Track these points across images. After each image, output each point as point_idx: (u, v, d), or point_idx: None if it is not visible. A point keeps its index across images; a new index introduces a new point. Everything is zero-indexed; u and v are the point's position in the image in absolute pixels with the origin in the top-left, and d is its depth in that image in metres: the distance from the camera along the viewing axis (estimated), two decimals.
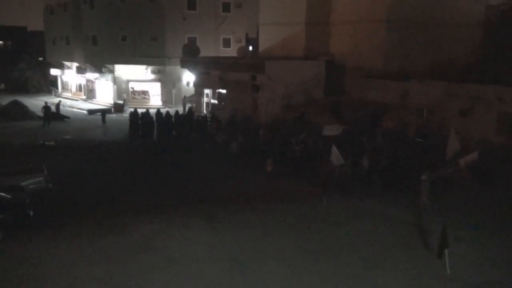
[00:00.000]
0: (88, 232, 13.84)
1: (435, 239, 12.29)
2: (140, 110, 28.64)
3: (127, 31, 40.55)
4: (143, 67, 41.25)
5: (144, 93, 42.46)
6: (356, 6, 28.99)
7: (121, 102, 39.39)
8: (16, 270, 11.63)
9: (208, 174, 20.03)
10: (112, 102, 41.08)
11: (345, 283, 11.05)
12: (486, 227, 14.03)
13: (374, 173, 17.71)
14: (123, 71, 41.66)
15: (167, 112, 27.96)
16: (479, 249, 12.65)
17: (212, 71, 31.78)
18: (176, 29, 40.43)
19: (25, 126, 31.94)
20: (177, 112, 29.17)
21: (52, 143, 26.11)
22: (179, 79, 40.38)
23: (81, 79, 46.93)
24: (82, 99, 45.88)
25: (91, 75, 44.15)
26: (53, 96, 48.62)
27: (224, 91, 31.43)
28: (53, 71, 50.78)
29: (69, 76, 48.93)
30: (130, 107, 35.89)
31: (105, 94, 43.52)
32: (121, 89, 41.99)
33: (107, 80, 42.78)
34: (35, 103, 40.47)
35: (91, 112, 37.98)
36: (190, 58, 34.64)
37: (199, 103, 33.64)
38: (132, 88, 42.29)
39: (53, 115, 34.29)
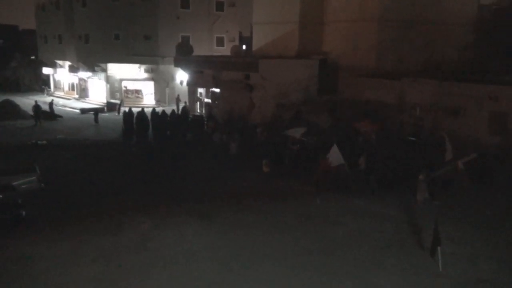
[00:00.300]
0: (82, 231, 13.77)
1: (429, 237, 12.38)
2: (134, 109, 28.52)
3: (120, 29, 40.36)
4: (136, 66, 41.09)
5: (138, 92, 42.29)
6: (349, 5, 29.08)
7: (118, 102, 39.13)
8: (9, 270, 11.56)
9: (205, 173, 19.96)
10: (105, 101, 40.87)
11: (340, 281, 11.10)
12: (479, 225, 14.15)
13: (370, 172, 17.76)
14: (116, 70, 41.47)
15: (163, 112, 27.87)
16: (471, 247, 12.75)
17: (205, 70, 31.75)
18: (170, 27, 40.30)
19: (17, 126, 31.70)
20: (173, 111, 29.13)
21: (44, 142, 25.94)
22: (172, 78, 40.26)
23: (73, 78, 46.66)
24: (74, 98, 45.63)
25: (83, 74, 43.91)
26: (45, 95, 48.28)
27: (217, 90, 31.42)
28: (45, 70, 50.44)
29: (62, 75, 48.63)
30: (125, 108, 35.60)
31: (98, 93, 43.30)
32: (114, 88, 41.81)
33: (100, 79, 42.57)
34: (27, 102, 40.14)
35: (83, 111, 37.78)
36: (183, 57, 34.57)
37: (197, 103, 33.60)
38: (125, 87, 42.10)
39: (45, 114, 34.07)
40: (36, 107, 32.69)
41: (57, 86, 50.34)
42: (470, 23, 30.56)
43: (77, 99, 45.10)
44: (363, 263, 11.95)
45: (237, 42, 44.47)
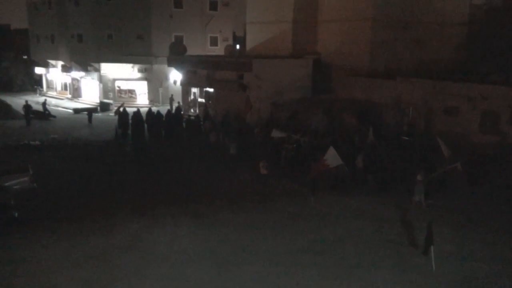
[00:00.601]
0: (74, 232, 13.71)
1: (422, 236, 12.43)
2: (129, 110, 28.40)
3: (113, 29, 40.14)
4: (129, 65, 40.90)
5: (131, 92, 42.10)
6: (343, 5, 29.15)
7: (111, 102, 38.85)
8: (1, 271, 11.48)
9: (200, 174, 19.89)
10: (98, 101, 40.67)
11: (334, 280, 11.13)
12: (472, 225, 14.23)
13: (368, 173, 17.75)
14: (109, 69, 41.26)
15: (158, 112, 27.78)
16: (464, 246, 12.83)
17: (199, 70, 31.69)
18: (163, 27, 40.17)
19: (9, 125, 31.44)
20: (168, 111, 29.05)
21: (37, 142, 25.76)
22: (166, 78, 40.13)
23: (66, 78, 46.34)
24: (67, 98, 45.34)
25: (76, 74, 43.64)
26: (37, 95, 47.95)
27: (211, 90, 31.37)
28: (38, 70, 50.07)
29: (54, 74, 48.29)
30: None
31: (91, 93, 43.06)
32: (107, 88, 41.60)
33: (93, 79, 42.34)
34: (20, 102, 39.81)
35: (77, 111, 37.56)
36: (177, 56, 34.48)
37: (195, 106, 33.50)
38: (119, 87, 41.89)
39: (38, 114, 33.84)
40: (27, 107, 32.46)
41: (50, 86, 49.99)
42: (462, 23, 30.75)
43: (70, 99, 44.82)
44: (357, 262, 11.99)
45: (230, 42, 44.41)
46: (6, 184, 15.88)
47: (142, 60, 40.46)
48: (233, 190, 17.83)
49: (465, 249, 12.68)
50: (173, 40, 39.12)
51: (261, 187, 17.92)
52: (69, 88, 46.51)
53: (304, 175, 17.46)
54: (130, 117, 27.36)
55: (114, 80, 41.58)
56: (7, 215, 13.93)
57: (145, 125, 27.21)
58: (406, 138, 21.59)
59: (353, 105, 24.95)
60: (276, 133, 21.17)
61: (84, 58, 41.88)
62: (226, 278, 11.20)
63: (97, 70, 41.59)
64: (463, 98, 21.66)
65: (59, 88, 48.26)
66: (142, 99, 41.26)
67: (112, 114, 35.28)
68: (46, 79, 50.27)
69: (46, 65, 48.91)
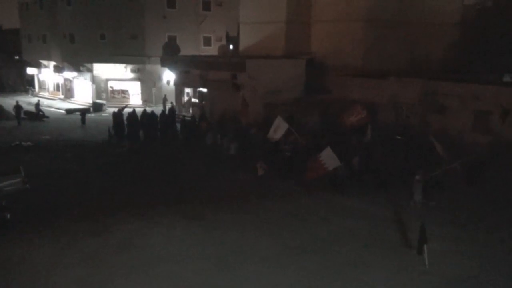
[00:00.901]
0: (68, 233, 13.65)
1: (416, 235, 12.49)
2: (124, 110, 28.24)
3: (105, 29, 39.95)
4: (122, 66, 40.73)
5: (124, 92, 41.93)
6: (335, 5, 29.24)
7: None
8: None
9: (196, 174, 19.85)
10: (91, 101, 40.47)
11: (328, 279, 11.17)
12: (465, 224, 14.32)
13: (365, 173, 17.73)
14: (102, 70, 41.07)
15: (152, 112, 27.69)
16: (457, 245, 12.92)
17: (192, 70, 31.62)
18: (156, 27, 40.03)
19: (1, 126, 31.19)
20: (163, 112, 28.93)
21: (29, 143, 25.58)
22: (159, 78, 40.01)
23: (58, 78, 46.06)
24: (59, 99, 45.07)
25: (69, 74, 43.38)
26: (29, 95, 47.63)
27: (205, 90, 31.32)
28: (30, 70, 49.70)
29: (46, 75, 47.98)
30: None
31: (83, 94, 42.84)
32: (100, 88, 41.41)
33: (85, 79, 42.12)
34: (11, 102, 39.51)
35: (69, 111, 37.35)
36: (170, 56, 34.39)
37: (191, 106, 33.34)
38: (111, 87, 41.71)
39: (30, 115, 33.58)
40: (17, 107, 32.23)
41: (42, 87, 49.66)
42: (454, 23, 30.94)
43: (62, 100, 44.55)
44: (351, 261, 12.04)
45: (224, 42, 44.35)
46: None
47: (135, 60, 40.30)
48: (229, 190, 17.80)
49: (458, 247, 12.77)
50: (166, 40, 38.99)
51: (257, 187, 17.88)
52: (61, 88, 46.23)
53: (301, 175, 17.42)
54: (125, 118, 27.23)
55: (107, 80, 41.39)
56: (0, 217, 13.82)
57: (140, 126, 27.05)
58: (399, 137, 21.66)
59: (348, 104, 24.95)
60: (272, 134, 20.82)
61: (77, 58, 41.63)
62: (222, 278, 11.20)
63: (90, 70, 41.39)
64: (455, 98, 21.81)
65: (51, 89, 47.96)
66: (135, 100, 41.11)
67: (105, 114, 35.16)
68: (38, 80, 49.94)
69: (38, 66, 48.58)
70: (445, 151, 17.01)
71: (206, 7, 43.23)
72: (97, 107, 38.40)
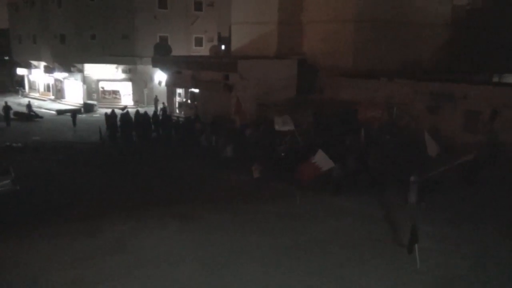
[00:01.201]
0: (59, 234, 13.55)
1: (407, 235, 12.56)
2: (117, 111, 28.14)
3: (96, 29, 39.75)
4: (113, 66, 40.52)
5: (115, 92, 41.72)
6: (327, 6, 29.36)
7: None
8: None
9: (190, 175, 19.74)
10: (81, 102, 40.22)
11: (320, 279, 11.20)
12: (457, 223, 14.41)
13: (360, 173, 17.71)
14: (93, 70, 40.84)
15: (146, 113, 27.59)
16: (448, 244, 13.01)
17: (184, 71, 31.57)
18: (147, 27, 39.90)
19: None
20: (155, 112, 28.80)
21: (19, 144, 25.37)
22: (150, 79, 39.88)
23: (49, 79, 45.72)
24: (50, 99, 44.74)
25: (59, 75, 43.07)
26: (20, 96, 47.24)
27: (196, 90, 31.28)
28: (20, 71, 49.30)
29: (37, 75, 47.61)
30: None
31: (74, 94, 42.55)
32: (91, 89, 41.16)
33: (76, 79, 41.84)
34: (1, 104, 39.20)
35: (60, 112, 37.09)
36: (161, 57, 34.30)
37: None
38: (102, 87, 41.49)
39: (20, 115, 33.27)
40: (6, 108, 31.95)
41: (32, 87, 49.27)
42: (445, 24, 31.20)
43: (53, 100, 44.23)
44: (343, 261, 12.08)
45: (216, 42, 44.33)
46: None
47: (126, 61, 40.13)
48: (223, 191, 17.75)
49: (450, 247, 12.85)
50: (157, 40, 38.88)
51: (251, 188, 17.79)
52: (52, 89, 45.90)
53: (294, 175, 17.23)
54: (118, 119, 27.09)
55: (98, 81, 41.16)
56: None
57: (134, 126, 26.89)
58: (389, 137, 21.75)
59: (340, 105, 25.04)
60: (281, 126, 20.66)
61: (67, 59, 41.36)
62: (214, 279, 11.19)
63: (81, 70, 41.13)
64: (445, 98, 21.98)
65: (41, 89, 47.60)
66: (126, 100, 40.92)
67: (97, 115, 34.98)
68: (29, 80, 49.54)
69: (28, 66, 48.20)
70: (439, 148, 17.02)
71: (198, 7, 43.17)
72: (88, 107, 38.17)
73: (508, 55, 28.11)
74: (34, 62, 47.21)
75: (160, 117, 28.61)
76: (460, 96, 21.43)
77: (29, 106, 35.29)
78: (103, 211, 15.49)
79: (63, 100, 43.55)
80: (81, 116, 35.14)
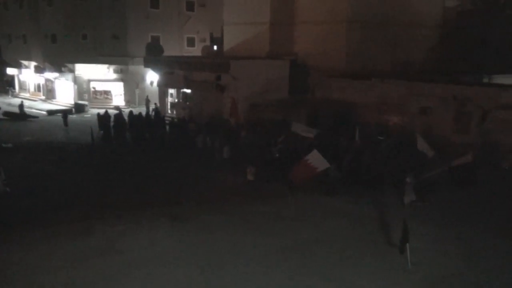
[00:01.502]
0: (50, 236, 13.46)
1: (398, 234, 12.63)
2: (110, 111, 28.02)
3: (87, 29, 39.52)
4: (104, 66, 40.28)
5: (106, 93, 41.49)
6: (319, 7, 29.45)
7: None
8: None
9: (185, 176, 19.67)
10: (73, 102, 39.97)
11: (312, 279, 11.23)
12: (449, 224, 14.52)
13: (355, 174, 17.73)
14: (84, 70, 40.58)
15: (140, 114, 27.45)
16: (441, 244, 13.11)
17: (176, 71, 31.49)
18: (139, 27, 39.70)
19: None
20: (147, 113, 28.64)
21: (9, 145, 25.15)
22: (142, 79, 39.70)
23: (39, 79, 45.38)
24: (41, 100, 44.40)
25: (50, 75, 42.76)
26: (10, 96, 46.83)
27: (189, 91, 31.21)
28: (10, 71, 48.85)
29: (27, 75, 47.23)
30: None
31: (65, 94, 42.26)
32: (82, 89, 40.90)
33: (67, 79, 41.56)
34: None
35: (51, 112, 36.82)
36: (153, 57, 34.18)
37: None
38: (94, 88, 41.25)
39: (11, 115, 33.00)
40: None
41: (22, 87, 48.83)
42: (436, 25, 31.44)
43: (44, 101, 43.91)
44: (335, 261, 12.14)
45: (208, 43, 44.24)
46: None
47: (117, 61, 39.90)
48: (216, 192, 17.70)
49: (442, 246, 12.95)
50: (149, 40, 38.73)
51: (245, 189, 17.73)
52: (42, 89, 45.55)
53: (289, 176, 17.18)
54: (112, 119, 26.96)
55: (89, 81, 40.92)
56: None
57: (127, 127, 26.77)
58: (381, 137, 21.87)
59: (333, 106, 25.11)
60: (302, 131, 20.32)
61: (58, 59, 41.07)
62: (206, 280, 11.18)
63: (72, 70, 40.86)
64: (436, 99, 22.15)
65: (32, 89, 47.20)
66: (118, 101, 40.71)
67: (88, 115, 34.78)
68: (19, 80, 49.11)
69: (18, 66, 47.76)
70: (432, 151, 17.08)
71: (190, 7, 43.06)
72: (79, 108, 37.92)
73: (498, 56, 28.38)
74: (25, 62, 46.80)
75: (153, 118, 28.53)
76: (450, 97, 21.60)
77: (21, 106, 35.04)
78: (96, 212, 15.39)
79: (53, 100, 43.24)
80: (72, 117, 34.93)
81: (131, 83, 40.37)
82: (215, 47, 42.36)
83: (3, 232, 13.65)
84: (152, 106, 33.52)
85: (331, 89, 26.85)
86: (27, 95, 46.90)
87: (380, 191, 17.04)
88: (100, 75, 40.64)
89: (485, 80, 29.03)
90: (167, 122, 28.70)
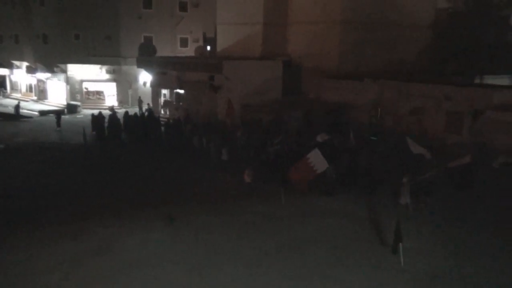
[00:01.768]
0: (42, 237, 13.38)
1: (391, 234, 12.69)
2: (104, 112, 27.90)
3: (80, 29, 39.31)
4: (97, 66, 40.09)
5: (99, 93, 41.29)
6: (312, 7, 29.53)
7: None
8: None
9: (180, 177, 19.63)
10: (65, 103, 39.74)
11: (305, 278, 11.25)
12: (442, 224, 14.59)
13: (353, 174, 17.72)
14: (77, 70, 40.36)
15: (135, 114, 27.35)
16: (434, 244, 13.17)
17: (169, 71, 31.42)
18: (132, 28, 39.56)
19: None
20: (142, 114, 28.52)
21: (1, 146, 24.97)
22: (135, 79, 39.56)
23: (31, 79, 45.07)
24: (32, 100, 44.10)
25: (42, 75, 42.49)
26: (1, 96, 46.49)
27: (182, 91, 31.16)
28: (1, 71, 48.50)
29: (19, 76, 46.89)
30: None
31: (57, 95, 42.00)
32: (74, 89, 40.68)
33: (59, 80, 41.30)
34: None
35: (43, 113, 36.60)
36: (146, 57, 34.08)
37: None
38: (86, 88, 41.02)
39: (4, 116, 32.81)
40: None
41: (14, 88, 48.47)
42: (428, 26, 31.61)
43: (36, 101, 43.61)
44: (328, 260, 12.17)
45: (201, 43, 44.17)
46: None
47: (110, 61, 39.73)
48: (212, 193, 17.66)
49: (435, 246, 13.02)
50: (142, 40, 38.61)
51: (241, 190, 17.63)
52: (34, 89, 45.24)
53: (286, 176, 17.04)
54: (106, 120, 26.82)
55: (82, 81, 40.70)
56: None
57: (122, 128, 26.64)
58: (374, 138, 21.93)
59: (326, 106, 25.14)
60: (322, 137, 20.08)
61: (50, 59, 40.82)
62: (199, 281, 11.16)
63: (64, 71, 40.63)
64: (428, 99, 22.28)
65: (24, 90, 46.87)
66: (111, 101, 40.52)
67: (80, 116, 34.59)
68: (10, 81, 48.75)
69: (10, 66, 47.41)
70: (424, 150, 17.10)
71: (183, 8, 42.94)
72: (71, 108, 37.72)
73: (489, 57, 28.59)
74: (16, 62, 46.46)
75: (146, 118, 28.44)
76: (442, 97, 21.73)
77: (17, 106, 34.87)
78: (89, 212, 15.32)
79: (46, 101, 42.96)
80: (64, 117, 34.71)
81: (124, 84, 40.21)
82: (208, 48, 42.33)
83: None
84: (145, 107, 33.41)
85: (324, 89, 26.91)
86: (18, 95, 46.56)
87: (377, 192, 17.07)
88: (92, 76, 40.44)
89: (477, 80, 29.24)
90: (162, 122, 28.57)
